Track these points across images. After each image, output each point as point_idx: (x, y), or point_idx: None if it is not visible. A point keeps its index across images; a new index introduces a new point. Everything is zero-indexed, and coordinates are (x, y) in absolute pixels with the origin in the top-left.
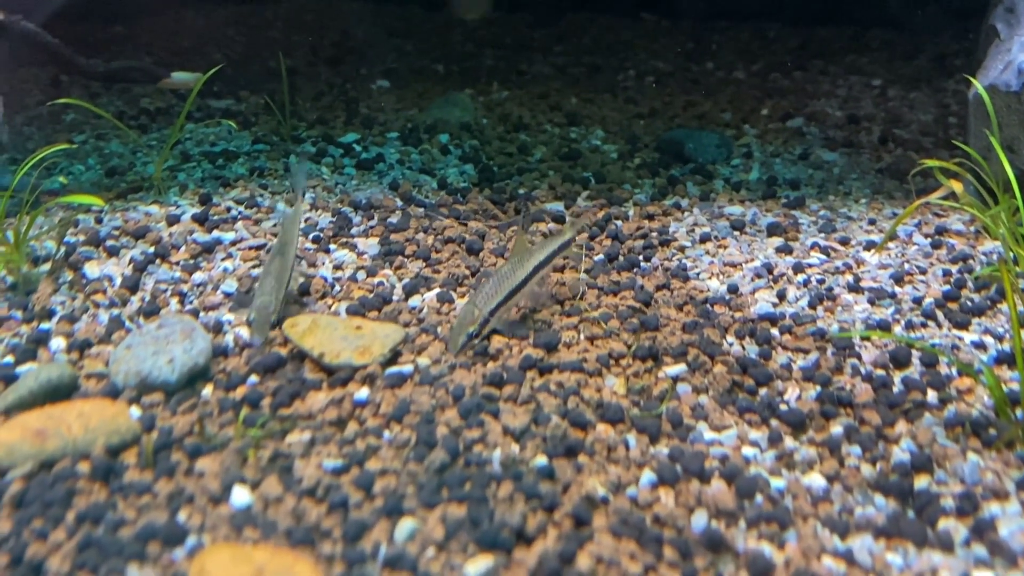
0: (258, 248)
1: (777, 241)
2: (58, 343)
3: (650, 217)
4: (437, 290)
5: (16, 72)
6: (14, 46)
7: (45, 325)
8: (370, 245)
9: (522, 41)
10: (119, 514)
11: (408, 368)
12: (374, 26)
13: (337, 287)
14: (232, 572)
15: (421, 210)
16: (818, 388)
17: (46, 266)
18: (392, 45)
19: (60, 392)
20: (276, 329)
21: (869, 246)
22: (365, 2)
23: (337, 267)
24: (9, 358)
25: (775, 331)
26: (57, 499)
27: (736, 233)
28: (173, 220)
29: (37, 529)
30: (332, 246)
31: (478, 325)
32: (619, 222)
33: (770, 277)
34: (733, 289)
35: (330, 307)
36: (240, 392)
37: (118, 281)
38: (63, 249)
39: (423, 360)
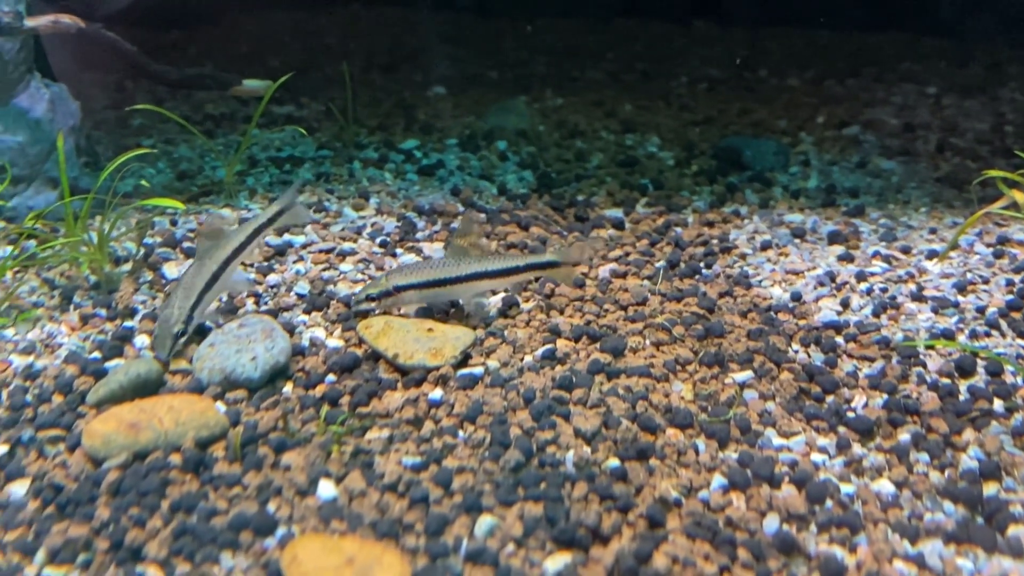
0: (328, 252)
1: (838, 249)
2: (142, 340)
3: (710, 224)
4: (502, 294)
5: (81, 77)
6: (81, 52)
7: (129, 323)
8: (435, 249)
9: (574, 47)
10: (211, 504)
11: (479, 370)
12: (427, 33)
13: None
14: (323, 561)
15: (483, 216)
16: (885, 396)
17: (126, 266)
18: (445, 52)
19: (148, 387)
20: (183, 337)
21: (931, 255)
22: (417, 9)
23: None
24: (96, 354)
25: (840, 339)
26: (152, 488)
27: (797, 241)
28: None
29: (135, 516)
30: (399, 250)
31: (379, 292)
32: (679, 229)
33: (833, 285)
34: (796, 297)
35: (400, 309)
36: (320, 390)
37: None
38: (142, 250)
39: (492, 362)
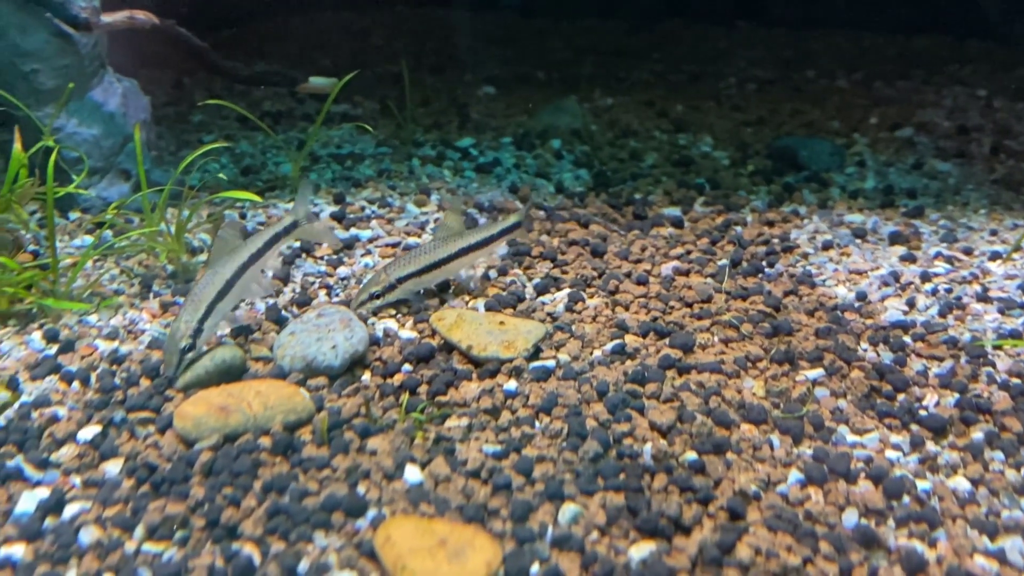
0: (394, 246)
1: (900, 250)
2: (222, 328)
3: (770, 223)
4: (567, 290)
5: (138, 73)
6: (142, 47)
7: None
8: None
9: (619, 48)
10: (302, 485)
11: (551, 363)
12: (473, 33)
13: (472, 284)
14: (417, 542)
15: (542, 213)
16: (956, 395)
17: (202, 257)
18: (492, 52)
19: (233, 373)
20: (192, 352)
21: (993, 257)
22: (462, 10)
23: (469, 266)
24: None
25: (908, 339)
26: (244, 469)
27: (858, 241)
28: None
29: (229, 496)
30: None
31: (382, 288)
32: (739, 228)
33: (897, 285)
34: (862, 296)
35: (467, 303)
36: (397, 379)
37: (270, 273)
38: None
39: (563, 356)
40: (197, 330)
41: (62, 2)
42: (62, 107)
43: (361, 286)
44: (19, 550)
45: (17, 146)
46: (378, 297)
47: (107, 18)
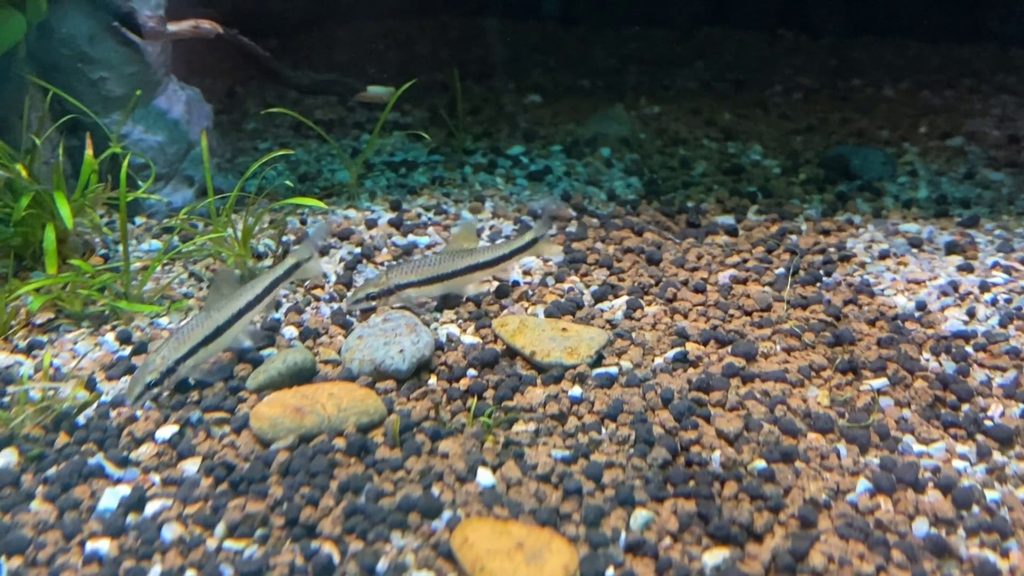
0: None
1: (957, 259)
2: (290, 331)
3: (825, 232)
4: (625, 297)
5: (191, 83)
6: (195, 57)
7: (275, 315)
8: (554, 252)
9: (663, 56)
10: (377, 486)
11: (614, 370)
12: (516, 42)
13: (530, 291)
14: (494, 544)
15: (595, 220)
16: (1021, 406)
17: (267, 261)
18: (535, 61)
19: (303, 375)
20: (157, 388)
21: None
22: (504, 19)
23: (526, 272)
24: (248, 342)
25: (969, 348)
26: (320, 470)
27: (914, 251)
28: (371, 224)
29: (306, 495)
30: None
31: (379, 290)
32: (794, 236)
33: (956, 295)
34: (921, 306)
35: (526, 309)
36: (463, 383)
37: (333, 278)
38: (281, 248)
39: (625, 363)
40: (170, 369)
41: (129, 11)
42: (129, 114)
43: (361, 283)
44: (104, 545)
45: (88, 152)
46: (374, 299)
47: (173, 27)
